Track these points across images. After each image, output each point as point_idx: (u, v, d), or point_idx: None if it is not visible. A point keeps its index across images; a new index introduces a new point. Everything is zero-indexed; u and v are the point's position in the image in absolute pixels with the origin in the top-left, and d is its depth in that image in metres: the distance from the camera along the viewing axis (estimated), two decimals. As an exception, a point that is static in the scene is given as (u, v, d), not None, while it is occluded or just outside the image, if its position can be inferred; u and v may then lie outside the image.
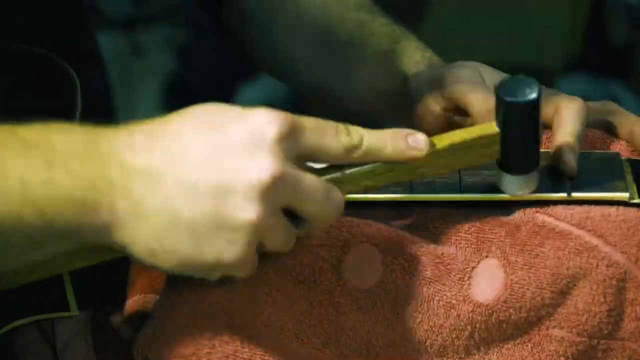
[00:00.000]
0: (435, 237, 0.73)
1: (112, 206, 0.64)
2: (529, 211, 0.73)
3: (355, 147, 0.67)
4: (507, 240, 0.71)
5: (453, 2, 2.16)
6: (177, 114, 0.66)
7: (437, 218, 0.73)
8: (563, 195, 0.72)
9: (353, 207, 0.73)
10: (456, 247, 0.72)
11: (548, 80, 2.23)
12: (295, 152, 0.65)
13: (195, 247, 0.65)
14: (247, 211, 0.64)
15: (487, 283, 0.70)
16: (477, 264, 0.71)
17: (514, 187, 0.73)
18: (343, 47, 0.94)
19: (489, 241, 0.71)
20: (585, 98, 0.79)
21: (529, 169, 0.72)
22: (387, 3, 0.98)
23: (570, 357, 0.70)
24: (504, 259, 0.70)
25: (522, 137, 0.71)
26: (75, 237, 0.65)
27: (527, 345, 0.71)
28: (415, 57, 0.91)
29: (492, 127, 0.70)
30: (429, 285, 0.70)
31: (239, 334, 0.70)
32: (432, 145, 0.69)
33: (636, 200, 0.72)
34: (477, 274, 0.70)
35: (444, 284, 0.70)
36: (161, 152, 0.64)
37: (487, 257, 0.71)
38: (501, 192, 0.72)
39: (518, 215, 0.73)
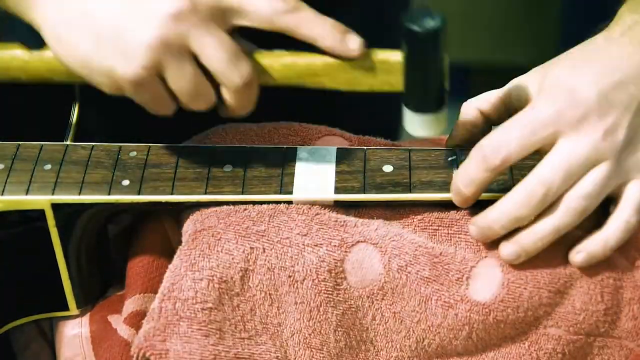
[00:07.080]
0: (434, 237, 0.73)
1: None
2: (527, 210, 0.73)
3: (287, 10, 0.67)
4: (504, 239, 0.71)
5: (452, 1, 2.16)
6: None
7: (436, 218, 0.73)
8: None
9: (353, 207, 0.74)
10: (455, 247, 0.72)
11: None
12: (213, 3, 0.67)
13: (95, 49, 0.67)
14: (145, 31, 0.66)
15: (485, 283, 0.70)
16: (476, 263, 0.71)
17: (416, 126, 0.69)
18: None
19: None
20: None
21: (432, 107, 0.68)
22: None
23: (567, 353, 0.70)
24: (501, 259, 0.70)
25: (425, 69, 0.66)
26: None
27: (524, 344, 0.71)
28: None
29: (397, 55, 0.68)
30: (427, 284, 0.70)
31: (239, 335, 0.70)
32: (364, 49, 0.68)
33: (635, 199, 0.72)
34: (476, 274, 0.70)
35: (442, 284, 0.70)
36: None
37: (485, 257, 0.71)
38: (499, 191, 0.72)
39: (516, 215, 0.73)
